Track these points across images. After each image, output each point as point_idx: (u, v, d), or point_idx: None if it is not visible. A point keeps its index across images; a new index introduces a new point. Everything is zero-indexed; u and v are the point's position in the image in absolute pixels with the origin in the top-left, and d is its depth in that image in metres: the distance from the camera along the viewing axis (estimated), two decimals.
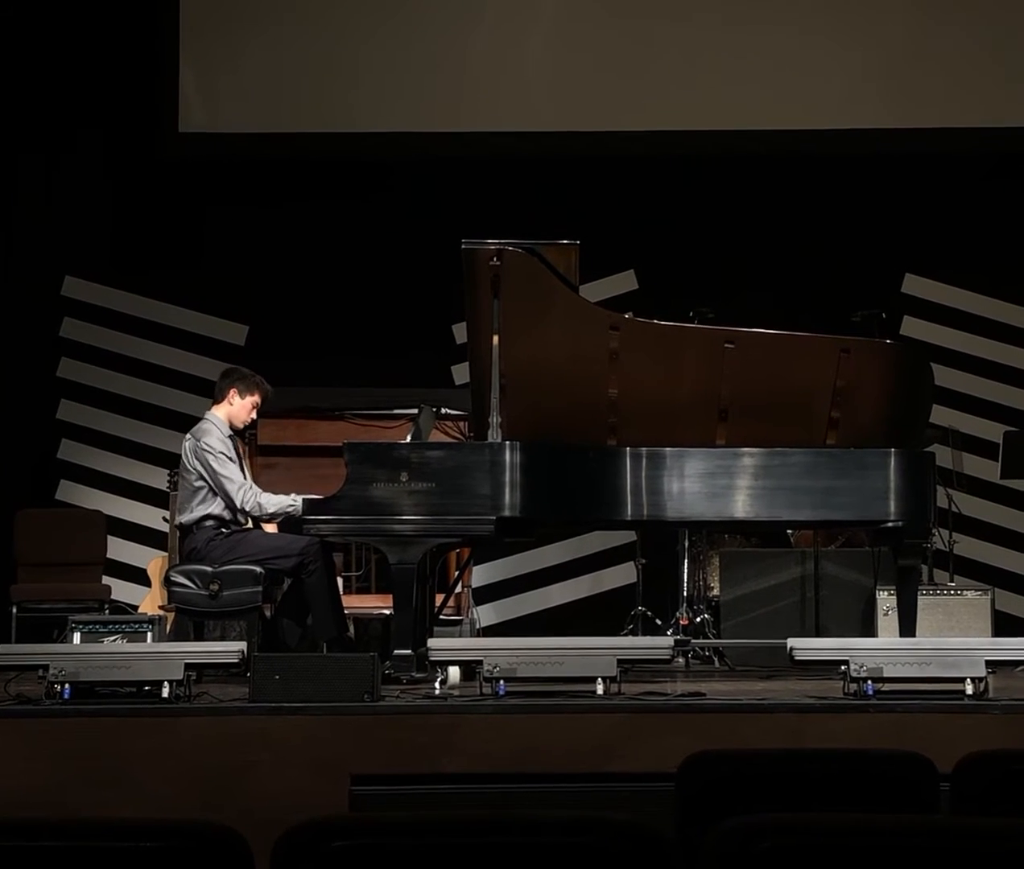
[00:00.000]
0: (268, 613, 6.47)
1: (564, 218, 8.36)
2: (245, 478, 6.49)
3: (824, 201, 9.33)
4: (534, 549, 9.02)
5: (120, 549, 9.05)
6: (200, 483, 6.37)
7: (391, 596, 6.04)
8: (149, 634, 5.65)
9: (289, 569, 6.26)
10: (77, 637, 5.61)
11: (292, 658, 5.30)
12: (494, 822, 2.29)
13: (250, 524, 6.46)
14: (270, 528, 6.45)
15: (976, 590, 7.30)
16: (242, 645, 5.33)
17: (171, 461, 8.30)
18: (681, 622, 7.46)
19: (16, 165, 9.49)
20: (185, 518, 6.41)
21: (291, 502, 6.19)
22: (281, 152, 9.40)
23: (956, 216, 9.29)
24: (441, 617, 7.13)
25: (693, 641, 7.16)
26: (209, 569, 6.18)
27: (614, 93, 9.39)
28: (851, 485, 6.00)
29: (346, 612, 6.61)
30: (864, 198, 9.34)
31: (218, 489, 6.33)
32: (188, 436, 6.51)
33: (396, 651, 5.74)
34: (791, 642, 5.39)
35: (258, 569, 6.16)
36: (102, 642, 5.56)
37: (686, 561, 7.62)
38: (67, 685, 4.94)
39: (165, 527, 8.12)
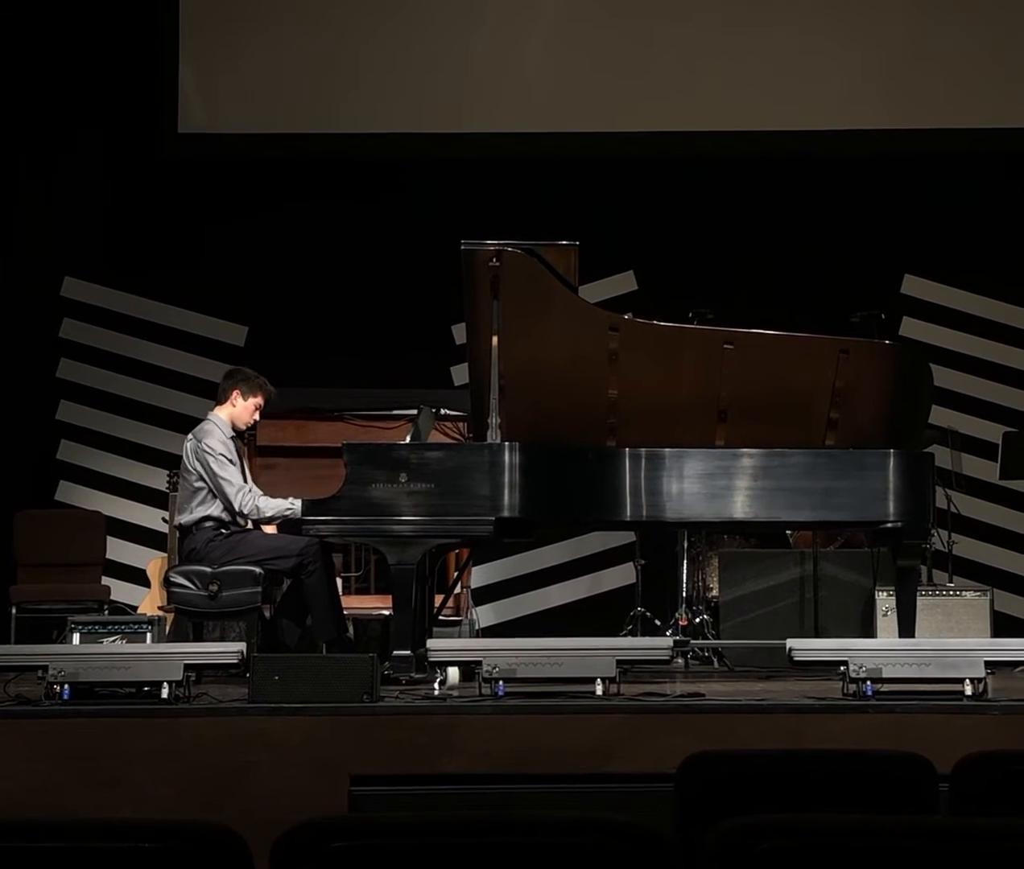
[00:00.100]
0: (267, 614, 6.47)
1: (563, 219, 8.36)
2: (246, 480, 6.50)
3: (823, 202, 9.33)
4: (533, 550, 9.02)
5: (119, 550, 9.05)
6: (200, 484, 6.37)
7: (390, 597, 6.04)
8: (148, 635, 5.65)
9: (288, 570, 6.26)
10: (76, 638, 5.60)
11: (291, 659, 5.30)
12: (493, 822, 2.29)
13: (249, 525, 6.46)
14: (269, 529, 6.45)
15: (975, 591, 7.30)
16: (241, 646, 5.32)
17: (170, 462, 8.31)
18: (680, 623, 7.46)
19: (16, 165, 9.49)
20: (184, 519, 6.41)
21: (289, 505, 6.20)
22: (281, 153, 9.41)
23: (955, 217, 9.30)
24: (440, 618, 7.13)
25: (692, 642, 7.16)
26: (208, 570, 6.18)
27: (614, 94, 9.39)
28: (850, 486, 6.00)
29: (345, 613, 6.62)
30: (863, 199, 9.34)
31: (217, 492, 6.33)
32: (190, 437, 6.51)
33: (395, 652, 5.75)
34: (790, 643, 5.39)
35: (257, 570, 6.16)
36: (101, 643, 5.55)
37: (685, 562, 7.62)
38: (66, 686, 4.94)
39: (164, 528, 8.12)
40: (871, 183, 9.36)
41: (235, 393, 6.52)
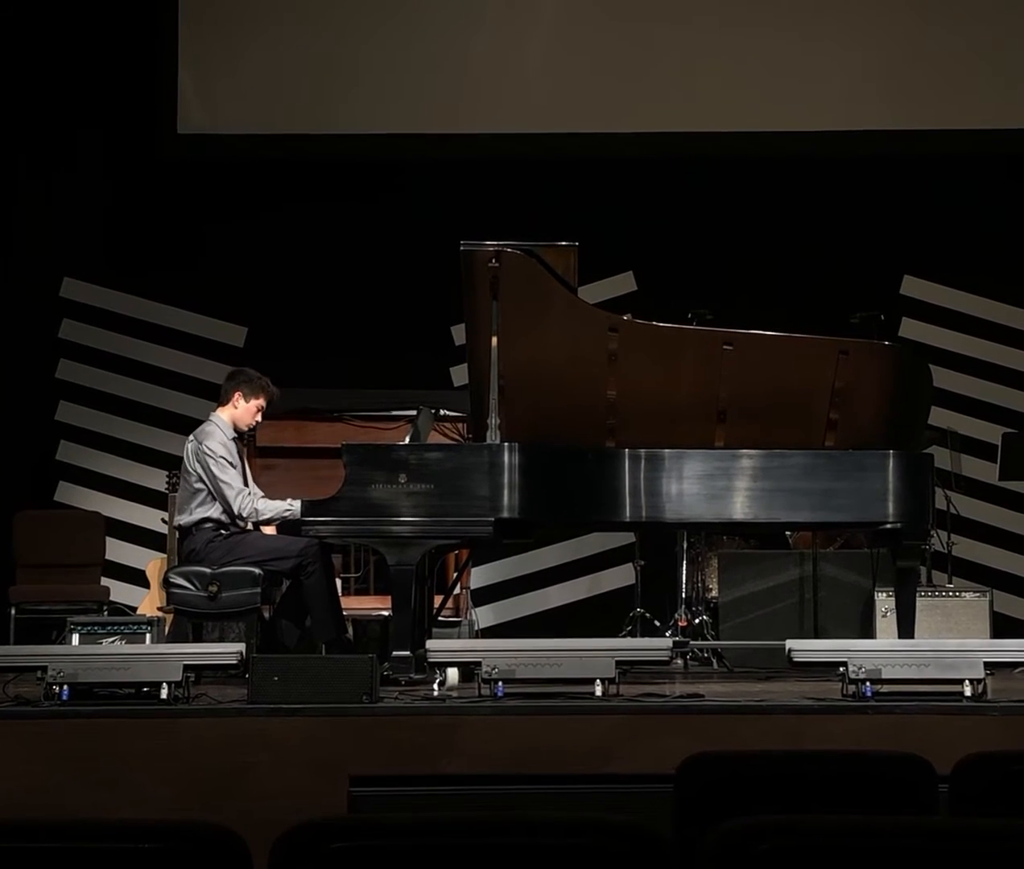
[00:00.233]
0: (267, 614, 6.47)
1: (563, 219, 8.36)
2: (247, 482, 6.50)
3: (823, 203, 9.33)
4: (533, 551, 9.03)
5: (119, 550, 9.05)
6: (200, 485, 6.36)
7: (390, 597, 6.04)
8: (148, 635, 5.65)
9: (288, 570, 6.26)
10: (76, 638, 5.60)
11: (291, 659, 5.30)
12: (493, 823, 2.29)
13: (249, 526, 6.46)
14: (269, 530, 6.45)
15: (974, 592, 7.30)
16: (241, 646, 5.32)
17: (170, 462, 8.32)
18: (680, 623, 7.46)
19: (16, 165, 9.49)
20: (184, 520, 6.41)
21: (288, 507, 6.20)
22: (280, 153, 9.41)
23: (955, 218, 9.30)
24: (440, 618, 7.14)
25: (692, 642, 7.16)
26: (208, 570, 6.18)
27: (614, 95, 9.39)
28: (850, 487, 6.00)
29: (345, 613, 6.61)
30: (863, 200, 9.34)
31: (216, 494, 6.33)
32: (191, 438, 6.50)
33: (395, 652, 5.74)
34: (790, 643, 5.39)
35: (257, 570, 6.16)
36: (101, 643, 5.55)
37: (685, 562, 7.63)
38: (66, 686, 4.94)
39: (164, 528, 8.11)
40: (871, 184, 9.36)
41: (237, 394, 6.52)
